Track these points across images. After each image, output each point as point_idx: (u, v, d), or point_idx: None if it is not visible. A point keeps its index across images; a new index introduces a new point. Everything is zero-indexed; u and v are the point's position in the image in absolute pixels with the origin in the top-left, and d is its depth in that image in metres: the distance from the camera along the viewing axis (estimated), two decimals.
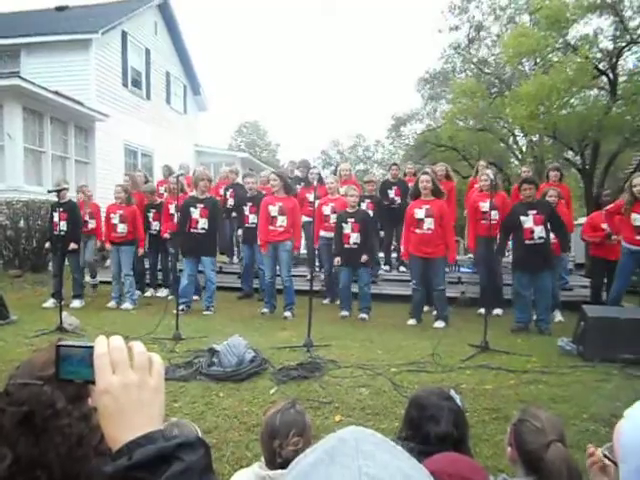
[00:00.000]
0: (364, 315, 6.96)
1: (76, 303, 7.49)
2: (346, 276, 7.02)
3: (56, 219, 7.20)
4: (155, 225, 8.29)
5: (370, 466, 0.54)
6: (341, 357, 4.89)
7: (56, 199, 7.13)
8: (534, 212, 6.11)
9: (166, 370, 0.79)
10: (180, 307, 7.11)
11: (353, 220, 6.83)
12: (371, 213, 7.64)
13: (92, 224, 8.19)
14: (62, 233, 7.16)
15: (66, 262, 7.59)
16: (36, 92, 10.31)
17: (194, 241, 7.07)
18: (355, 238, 6.80)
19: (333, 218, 7.32)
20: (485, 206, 6.88)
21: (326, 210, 7.48)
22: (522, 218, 6.13)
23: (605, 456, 1.22)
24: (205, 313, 7.06)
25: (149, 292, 8.57)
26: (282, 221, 6.87)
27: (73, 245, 7.38)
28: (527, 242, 6.11)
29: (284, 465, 1.86)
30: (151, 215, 8.34)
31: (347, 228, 6.83)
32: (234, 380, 4.27)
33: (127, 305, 7.49)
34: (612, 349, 4.79)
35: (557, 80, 11.96)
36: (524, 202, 6.26)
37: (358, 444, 0.58)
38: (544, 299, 6.26)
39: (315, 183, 6.68)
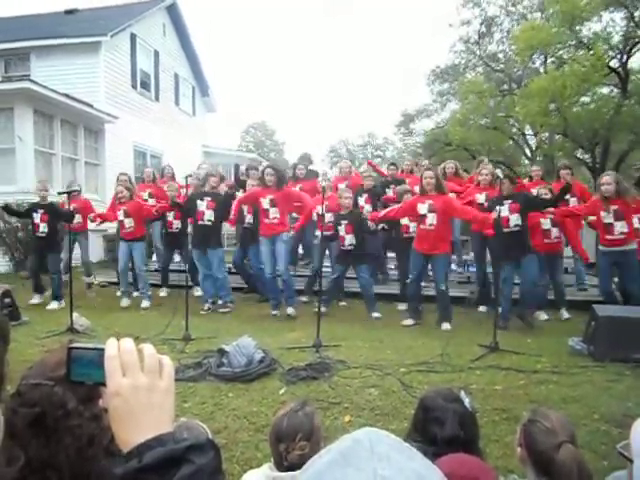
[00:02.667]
0: (376, 314, 6.94)
1: (54, 305, 7.34)
2: (339, 271, 7.10)
3: (37, 220, 7.35)
4: (177, 224, 8.01)
5: (385, 468, 0.54)
6: (350, 357, 4.89)
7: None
8: (509, 201, 6.22)
9: (175, 371, 0.80)
10: (206, 306, 7.28)
11: (346, 222, 6.87)
12: (369, 207, 7.80)
13: (77, 219, 8.09)
14: (42, 235, 7.36)
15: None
16: (46, 95, 10.40)
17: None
18: (350, 240, 6.86)
19: (328, 217, 7.33)
20: (481, 198, 6.95)
21: (319, 209, 7.44)
22: (498, 207, 6.19)
23: (620, 453, 1.22)
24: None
25: (163, 292, 8.42)
26: (275, 212, 6.86)
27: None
28: (504, 230, 6.18)
29: (290, 469, 1.85)
30: (172, 214, 8.02)
31: (341, 230, 6.90)
32: (243, 380, 4.28)
33: (145, 304, 7.49)
34: (623, 349, 4.75)
35: (570, 76, 11.89)
36: (499, 196, 6.38)
37: (373, 445, 0.58)
38: (528, 288, 6.34)
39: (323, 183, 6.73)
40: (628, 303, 5.94)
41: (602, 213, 6.12)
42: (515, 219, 6.19)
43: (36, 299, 7.40)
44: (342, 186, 7.66)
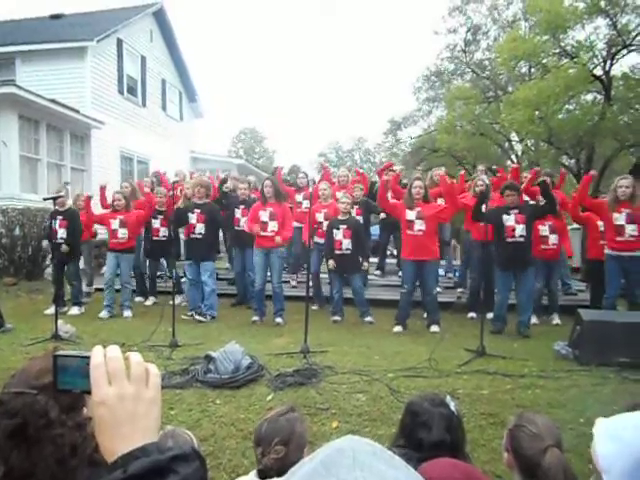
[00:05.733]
0: (369, 318, 6.99)
1: (75, 310, 7.45)
2: (338, 283, 7.10)
3: (55, 227, 7.23)
4: (163, 231, 8.03)
5: (367, 478, 0.54)
6: (338, 363, 4.88)
7: (53, 207, 7.11)
8: (516, 211, 6.25)
9: (162, 377, 0.80)
10: (189, 313, 7.21)
11: (345, 227, 6.89)
12: (360, 219, 7.65)
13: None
14: (61, 241, 7.22)
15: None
16: (32, 100, 10.30)
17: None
18: (347, 244, 6.88)
19: (326, 225, 7.41)
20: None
21: (319, 217, 7.49)
22: (504, 217, 6.26)
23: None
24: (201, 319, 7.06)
25: (149, 300, 8.34)
26: (273, 226, 6.90)
27: (64, 247, 7.27)
28: (508, 240, 6.24)
29: (264, 473, 1.86)
30: (158, 221, 8.04)
31: (338, 234, 6.90)
32: (230, 387, 4.26)
33: (127, 314, 7.42)
34: (608, 353, 4.80)
35: (555, 86, 12.04)
36: (504, 206, 6.40)
37: (355, 455, 0.57)
38: (526, 299, 6.34)
39: (310, 189, 6.75)
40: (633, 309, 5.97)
41: (614, 214, 6.08)
42: (521, 229, 6.21)
43: (51, 310, 7.14)
44: (340, 194, 7.64)
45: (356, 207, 7.79)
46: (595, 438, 1.18)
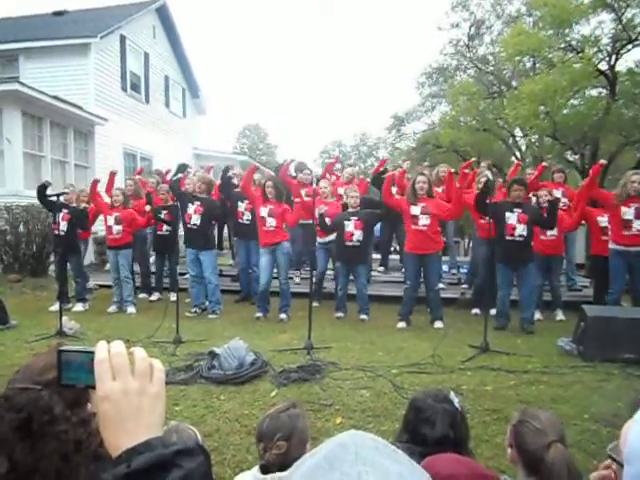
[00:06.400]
0: (364, 316, 6.99)
1: (79, 307, 7.48)
2: (344, 279, 7.09)
3: (58, 218, 7.11)
4: (166, 226, 8.02)
5: (370, 472, 0.54)
6: (342, 359, 4.90)
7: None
8: (519, 211, 6.22)
9: (166, 374, 0.80)
10: (193, 310, 7.28)
11: (356, 218, 6.87)
12: (359, 234, 7.17)
13: None
14: (62, 233, 7.17)
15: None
16: (35, 97, 10.31)
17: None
18: (358, 236, 6.84)
19: (327, 221, 7.38)
20: None
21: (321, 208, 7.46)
22: (507, 214, 6.23)
23: (610, 457, 1.19)
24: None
25: (154, 296, 8.35)
26: (271, 222, 6.90)
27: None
28: (508, 238, 6.22)
29: (268, 468, 1.87)
30: (162, 216, 8.01)
31: (350, 226, 6.85)
32: (235, 383, 4.27)
33: (131, 310, 7.44)
34: (612, 349, 4.79)
35: (560, 80, 11.98)
36: (512, 202, 6.33)
37: (358, 449, 0.57)
38: (528, 295, 6.34)
39: (314, 185, 6.74)
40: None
41: (623, 208, 6.03)
42: (521, 229, 6.20)
43: (56, 307, 6.89)
44: (345, 189, 7.62)
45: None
46: (633, 426, 1.08)
